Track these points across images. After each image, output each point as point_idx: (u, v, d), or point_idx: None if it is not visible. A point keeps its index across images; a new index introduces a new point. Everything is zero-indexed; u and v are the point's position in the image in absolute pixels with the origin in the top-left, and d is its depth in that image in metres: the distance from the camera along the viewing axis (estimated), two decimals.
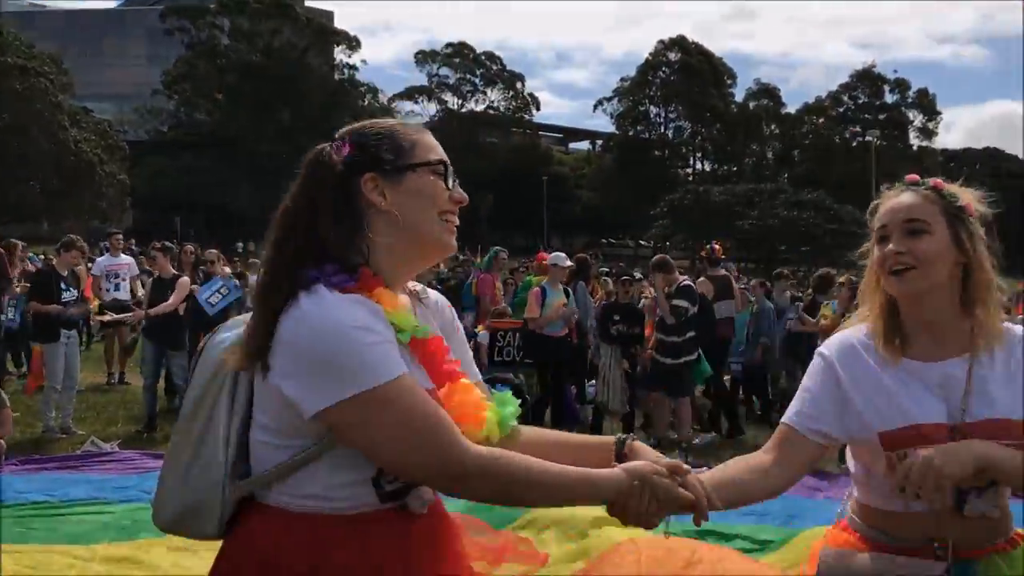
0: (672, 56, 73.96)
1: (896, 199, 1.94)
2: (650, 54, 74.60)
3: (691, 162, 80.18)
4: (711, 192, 58.63)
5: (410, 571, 1.60)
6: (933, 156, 76.77)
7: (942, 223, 1.88)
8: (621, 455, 1.79)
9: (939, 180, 1.96)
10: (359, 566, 1.56)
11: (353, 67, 67.13)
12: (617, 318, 8.86)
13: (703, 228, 59.49)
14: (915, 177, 1.98)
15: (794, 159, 77.38)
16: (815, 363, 2.02)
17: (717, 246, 10.04)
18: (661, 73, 74.38)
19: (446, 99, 74.11)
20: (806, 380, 2.02)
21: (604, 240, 72.83)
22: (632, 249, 72.88)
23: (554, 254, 9.49)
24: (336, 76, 66.12)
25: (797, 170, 73.79)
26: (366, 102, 67.05)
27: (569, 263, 9.32)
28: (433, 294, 1.87)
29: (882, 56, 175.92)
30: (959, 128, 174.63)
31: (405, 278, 1.73)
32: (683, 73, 72.70)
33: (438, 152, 1.69)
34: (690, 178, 75.27)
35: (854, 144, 71.59)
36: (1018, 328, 1.94)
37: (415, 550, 1.62)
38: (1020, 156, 78.45)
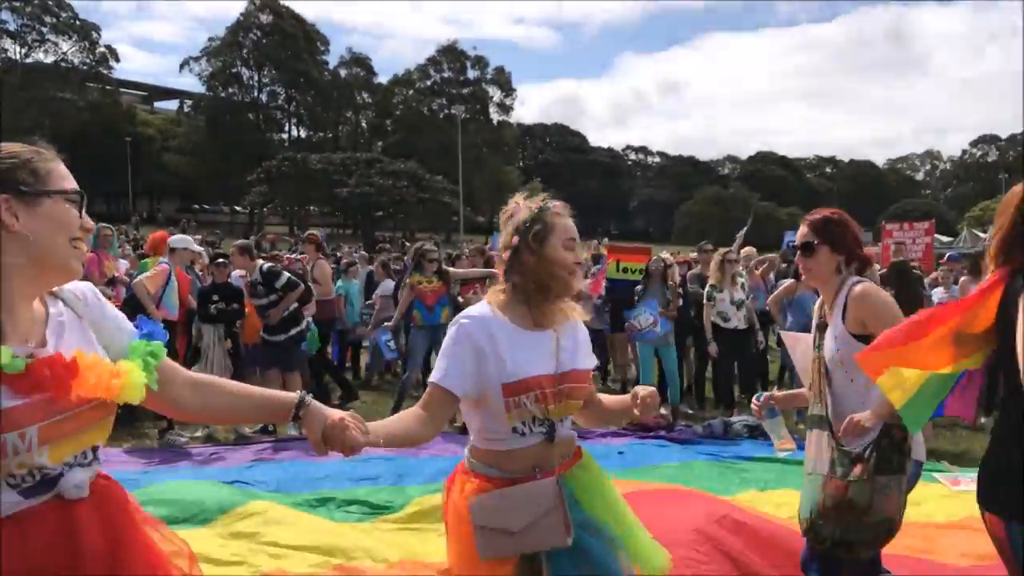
0: (264, 18, 72.33)
1: (569, 220, 2.56)
2: (241, 14, 72.36)
3: (287, 128, 79.43)
4: (309, 159, 58.63)
5: (79, 557, 1.64)
6: (511, 129, 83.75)
7: None
8: (298, 414, 2.03)
9: None
10: (19, 570, 1.57)
11: None
12: (216, 298, 8.71)
13: (302, 194, 59.49)
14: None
15: (387, 129, 79.87)
16: (456, 332, 2.48)
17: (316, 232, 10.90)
18: (253, 35, 72.47)
19: (6, 48, 65.73)
20: (449, 346, 2.48)
21: (197, 206, 69.65)
22: (228, 215, 70.56)
23: (178, 236, 9.15)
24: None
25: (390, 139, 76.29)
26: None
27: (197, 247, 9.00)
28: (70, 286, 1.88)
29: (465, 33, 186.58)
30: (531, 104, 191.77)
31: (29, 299, 1.76)
32: (275, 36, 71.48)
33: (72, 181, 1.80)
34: (286, 144, 74.51)
35: (442, 116, 75.61)
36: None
37: (84, 535, 1.67)
38: (581, 131, 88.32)
